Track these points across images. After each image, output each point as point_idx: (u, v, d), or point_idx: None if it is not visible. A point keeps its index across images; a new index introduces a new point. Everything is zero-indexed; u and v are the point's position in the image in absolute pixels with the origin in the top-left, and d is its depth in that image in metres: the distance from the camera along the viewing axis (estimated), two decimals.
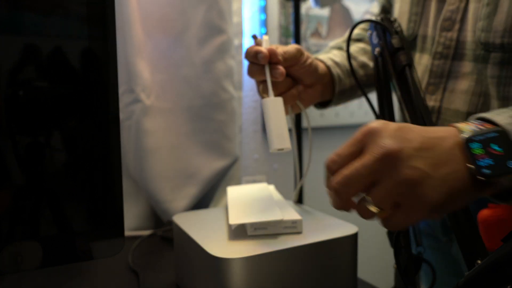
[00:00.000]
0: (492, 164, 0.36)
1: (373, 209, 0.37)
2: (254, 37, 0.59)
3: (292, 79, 0.61)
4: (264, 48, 0.56)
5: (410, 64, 0.53)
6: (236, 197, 0.63)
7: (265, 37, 0.59)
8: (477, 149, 0.36)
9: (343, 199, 0.39)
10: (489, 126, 0.38)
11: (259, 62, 0.56)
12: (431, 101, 0.61)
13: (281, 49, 0.58)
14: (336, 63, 0.69)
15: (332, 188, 0.39)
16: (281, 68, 0.56)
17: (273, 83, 0.56)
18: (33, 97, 0.42)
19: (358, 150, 0.38)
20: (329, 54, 0.72)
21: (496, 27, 0.51)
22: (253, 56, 0.56)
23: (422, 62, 0.64)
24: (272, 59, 0.56)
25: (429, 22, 0.63)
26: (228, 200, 0.62)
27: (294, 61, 0.59)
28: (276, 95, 0.57)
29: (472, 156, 0.36)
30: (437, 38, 0.60)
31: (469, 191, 0.37)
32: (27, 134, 0.43)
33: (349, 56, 0.61)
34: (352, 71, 0.62)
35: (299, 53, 0.59)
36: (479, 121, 0.40)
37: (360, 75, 0.71)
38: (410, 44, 0.67)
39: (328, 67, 0.67)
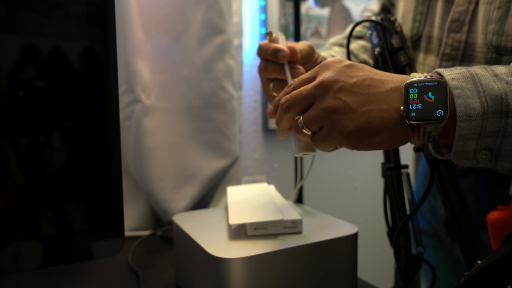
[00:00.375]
0: (420, 109, 0.38)
1: (305, 130, 0.43)
2: (269, 34, 0.57)
3: None
4: (284, 46, 0.54)
5: (410, 64, 0.53)
6: (236, 197, 0.62)
7: (281, 34, 0.57)
8: (413, 94, 0.38)
9: (286, 115, 0.45)
10: (436, 76, 0.40)
11: (278, 60, 0.55)
12: None
13: (298, 46, 0.57)
14: None
15: (281, 104, 0.45)
16: (301, 68, 0.55)
17: (284, 84, 0.55)
18: (33, 97, 0.42)
19: (311, 77, 0.44)
20: (330, 51, 0.71)
21: (508, 31, 0.51)
22: (271, 54, 0.55)
23: (427, 63, 0.64)
24: (292, 57, 0.55)
25: (435, 22, 0.62)
26: (228, 200, 0.62)
27: (307, 59, 0.59)
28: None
29: (407, 100, 0.38)
30: (444, 40, 0.60)
31: (396, 131, 0.39)
32: (27, 134, 0.43)
33: (349, 55, 0.61)
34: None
35: (312, 51, 0.59)
36: (435, 73, 0.41)
37: None
38: (414, 44, 0.66)
39: None
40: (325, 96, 0.40)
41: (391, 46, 0.54)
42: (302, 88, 0.43)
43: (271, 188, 0.68)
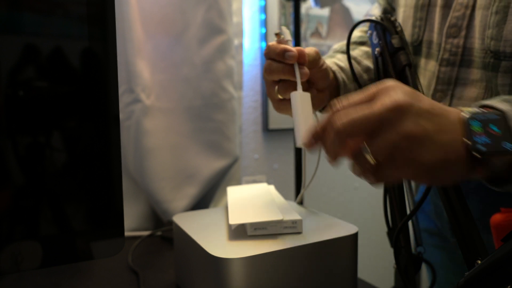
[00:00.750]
0: (488, 143, 0.37)
1: (369, 158, 0.38)
2: (278, 35, 0.56)
3: (306, 83, 0.60)
4: (293, 48, 0.53)
5: (410, 64, 0.53)
6: (236, 197, 0.62)
7: (285, 28, 0.56)
8: (476, 127, 0.38)
9: (342, 141, 0.39)
10: (490, 110, 0.40)
11: (286, 61, 0.53)
12: None
13: (306, 51, 0.56)
14: (341, 68, 0.68)
15: (334, 128, 0.38)
16: (306, 69, 0.54)
17: (290, 86, 0.54)
18: (33, 97, 0.42)
19: (368, 100, 0.39)
20: (333, 59, 0.71)
21: (506, 36, 0.51)
22: (279, 54, 0.53)
23: (428, 68, 0.64)
24: (299, 59, 0.53)
25: (434, 27, 0.62)
26: (228, 200, 0.62)
27: (314, 64, 0.57)
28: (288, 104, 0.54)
29: (470, 132, 0.38)
30: (443, 45, 0.60)
31: (462, 165, 0.38)
32: (27, 134, 0.43)
33: (349, 56, 0.61)
34: (352, 72, 0.62)
35: (318, 57, 0.57)
36: (483, 106, 0.41)
37: (364, 80, 0.70)
38: (415, 49, 0.66)
39: (333, 72, 0.66)
40: (403, 121, 0.36)
41: (391, 46, 0.54)
42: (367, 111, 0.37)
43: (271, 188, 0.68)
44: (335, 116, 0.39)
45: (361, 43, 0.76)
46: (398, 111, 0.36)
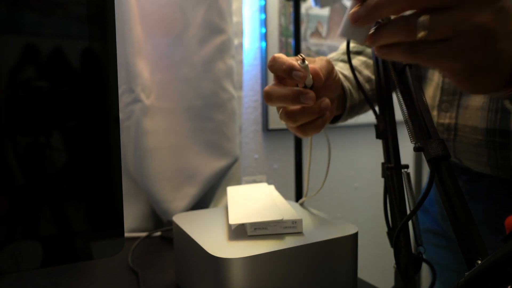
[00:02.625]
0: None
1: (421, 30, 0.32)
2: (302, 59, 0.47)
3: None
4: (301, 68, 0.47)
5: (410, 64, 0.53)
6: (236, 197, 0.62)
7: (307, 63, 0.47)
8: None
9: (406, 4, 0.33)
10: None
11: (291, 80, 0.47)
12: (446, 119, 0.61)
13: (317, 65, 0.50)
14: (345, 77, 0.65)
15: None
16: (327, 100, 0.48)
17: (294, 114, 0.49)
18: (33, 97, 0.42)
19: None
20: (336, 67, 0.70)
21: None
22: (285, 71, 0.46)
23: (434, 79, 0.64)
24: (315, 79, 0.47)
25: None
26: (228, 200, 0.62)
27: (328, 76, 0.52)
28: (299, 126, 0.50)
29: None
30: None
31: (501, 78, 0.35)
32: (27, 134, 0.43)
33: (349, 55, 0.61)
34: (353, 72, 0.62)
35: (331, 66, 0.52)
36: None
37: (366, 89, 0.67)
38: None
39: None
40: (483, 10, 0.32)
41: None
42: None
43: (271, 188, 0.68)
44: None
45: (358, 53, 0.74)
46: None
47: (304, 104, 0.46)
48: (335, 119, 0.67)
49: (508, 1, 0.33)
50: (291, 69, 0.46)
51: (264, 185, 0.68)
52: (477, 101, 0.58)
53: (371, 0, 0.34)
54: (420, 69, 0.67)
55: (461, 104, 0.59)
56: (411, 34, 0.33)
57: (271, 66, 0.49)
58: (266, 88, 0.50)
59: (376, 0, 0.33)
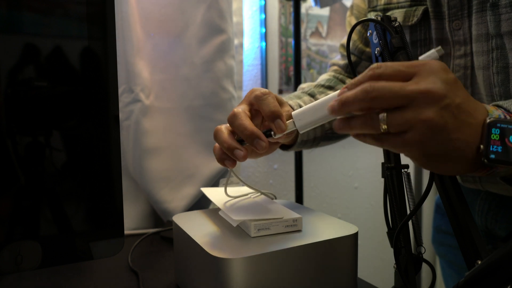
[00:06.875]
0: (499, 152, 0.38)
1: (383, 125, 0.38)
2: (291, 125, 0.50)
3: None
4: (241, 148, 0.49)
5: None
6: (222, 198, 0.61)
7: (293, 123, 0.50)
8: (494, 134, 0.38)
9: (363, 101, 0.38)
10: None
11: (232, 156, 0.50)
12: None
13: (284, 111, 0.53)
14: None
15: (364, 89, 0.38)
16: (243, 152, 0.49)
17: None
18: (33, 97, 0.42)
19: (407, 73, 0.39)
20: (299, 100, 0.69)
21: None
22: (228, 149, 0.49)
23: None
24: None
25: None
26: (214, 200, 0.60)
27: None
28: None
29: (488, 140, 0.38)
30: None
31: (466, 163, 0.39)
32: (27, 134, 0.43)
33: (349, 55, 0.61)
34: (352, 71, 0.62)
35: (281, 102, 0.55)
36: (506, 111, 0.41)
37: (326, 128, 0.71)
38: None
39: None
40: (428, 108, 0.37)
41: (391, 46, 0.54)
42: (399, 85, 0.38)
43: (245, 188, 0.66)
44: (371, 75, 0.39)
45: (329, 88, 0.74)
46: (428, 98, 0.37)
47: (233, 157, 0.49)
48: (287, 147, 0.69)
49: (456, 98, 0.37)
50: (233, 148, 0.49)
51: (244, 188, 0.66)
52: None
53: (343, 97, 0.40)
54: None
55: None
56: (376, 127, 0.39)
57: (216, 132, 0.51)
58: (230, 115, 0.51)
59: (345, 100, 0.40)
